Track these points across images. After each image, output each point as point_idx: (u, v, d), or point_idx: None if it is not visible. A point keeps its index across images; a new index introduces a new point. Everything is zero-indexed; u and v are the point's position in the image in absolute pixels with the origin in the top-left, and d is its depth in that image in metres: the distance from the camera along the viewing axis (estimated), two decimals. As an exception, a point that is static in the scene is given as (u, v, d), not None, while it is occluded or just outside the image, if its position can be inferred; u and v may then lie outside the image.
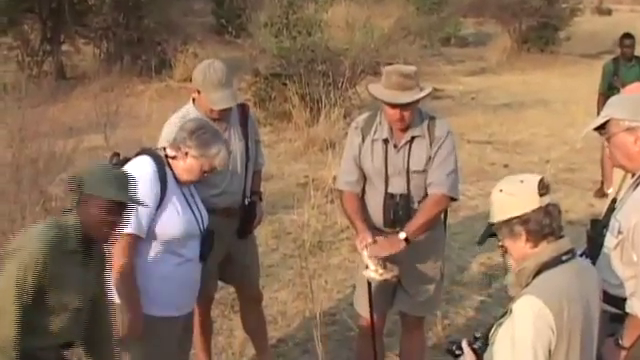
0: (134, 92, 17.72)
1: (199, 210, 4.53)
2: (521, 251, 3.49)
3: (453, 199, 5.06)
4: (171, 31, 20.47)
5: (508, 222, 3.47)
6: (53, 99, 14.36)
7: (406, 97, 4.75)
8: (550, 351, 3.28)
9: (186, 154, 4.37)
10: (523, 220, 3.43)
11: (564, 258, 3.43)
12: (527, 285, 3.42)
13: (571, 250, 3.48)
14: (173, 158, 4.40)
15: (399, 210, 4.91)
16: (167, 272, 4.36)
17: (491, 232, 3.60)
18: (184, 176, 4.44)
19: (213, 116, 5.17)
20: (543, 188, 3.52)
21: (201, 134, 4.37)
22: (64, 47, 21.09)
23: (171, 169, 4.40)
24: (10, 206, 7.95)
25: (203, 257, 4.59)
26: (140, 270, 4.31)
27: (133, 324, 4.28)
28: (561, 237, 3.49)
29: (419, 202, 4.97)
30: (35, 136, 9.33)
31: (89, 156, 10.64)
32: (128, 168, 4.25)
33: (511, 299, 3.47)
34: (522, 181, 3.55)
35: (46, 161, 9.22)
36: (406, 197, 4.92)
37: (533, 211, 3.43)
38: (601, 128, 4.04)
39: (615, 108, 4.01)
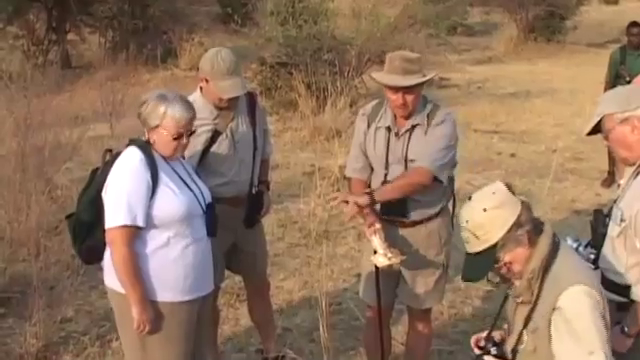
0: (140, 81, 17.72)
1: (198, 188, 4.49)
2: (524, 255, 3.46)
3: (437, 180, 4.86)
4: (177, 20, 20.49)
5: (509, 233, 3.41)
6: (59, 88, 14.38)
7: (407, 81, 4.71)
8: None
9: (150, 131, 4.34)
10: (520, 223, 3.41)
11: (556, 239, 3.49)
12: (541, 282, 3.43)
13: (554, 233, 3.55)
14: (153, 143, 4.37)
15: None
16: (176, 256, 4.32)
17: (489, 263, 3.53)
18: (166, 152, 4.39)
19: (222, 105, 5.15)
20: (512, 188, 3.54)
21: (149, 104, 4.30)
22: (70, 36, 21.12)
23: (160, 154, 4.36)
24: (16, 195, 7.96)
25: (211, 233, 4.55)
26: (149, 258, 4.28)
27: (142, 314, 4.27)
28: None
29: (422, 193, 4.90)
30: (41, 125, 9.33)
31: (95, 145, 10.64)
32: (118, 162, 4.29)
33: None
34: (494, 192, 3.50)
35: (52, 150, 9.24)
36: None
37: (520, 212, 3.43)
38: (598, 130, 4.04)
39: (605, 104, 4.01)
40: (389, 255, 4.71)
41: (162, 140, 4.34)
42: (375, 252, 4.77)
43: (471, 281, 3.75)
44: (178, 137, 4.36)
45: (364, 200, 4.71)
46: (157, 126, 4.30)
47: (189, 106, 4.42)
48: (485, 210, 3.42)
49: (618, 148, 3.99)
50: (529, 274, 3.44)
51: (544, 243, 3.45)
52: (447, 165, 4.92)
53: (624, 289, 3.87)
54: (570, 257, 3.49)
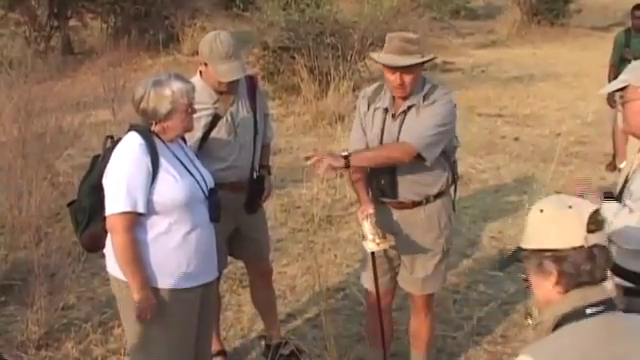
0: (142, 67, 17.68)
1: (200, 174, 4.45)
2: (547, 294, 2.78)
3: (421, 157, 4.72)
4: (179, 5, 20.41)
5: (539, 253, 2.75)
6: (60, 74, 14.40)
7: (405, 60, 4.66)
8: None
9: (161, 120, 4.29)
10: (558, 257, 2.70)
11: (589, 311, 2.66)
12: None
13: (604, 301, 2.70)
14: (161, 133, 4.32)
15: (382, 179, 4.85)
16: (178, 242, 4.29)
17: (517, 257, 2.89)
18: (182, 129, 4.39)
19: (221, 88, 5.11)
20: (594, 223, 2.72)
21: (149, 96, 4.25)
22: (71, 22, 21.06)
23: (161, 139, 4.32)
24: (17, 181, 7.93)
25: (214, 218, 4.51)
26: (150, 245, 4.25)
27: (143, 302, 4.23)
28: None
29: (412, 173, 4.83)
30: (42, 111, 9.32)
31: (96, 131, 10.62)
32: (118, 148, 4.25)
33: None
34: (571, 206, 2.78)
35: (53, 136, 9.23)
36: (391, 166, 4.82)
37: (574, 249, 2.68)
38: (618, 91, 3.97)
39: (636, 75, 3.92)
40: (377, 240, 4.71)
41: (177, 119, 4.29)
42: (365, 237, 4.77)
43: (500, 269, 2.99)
44: (192, 110, 4.36)
45: (339, 163, 4.61)
46: (170, 111, 4.25)
47: (184, 78, 4.41)
48: (541, 212, 2.79)
49: (631, 120, 3.92)
50: (534, 325, 2.85)
51: (570, 299, 2.70)
52: (436, 144, 4.76)
53: (633, 274, 3.81)
54: (579, 332, 2.63)
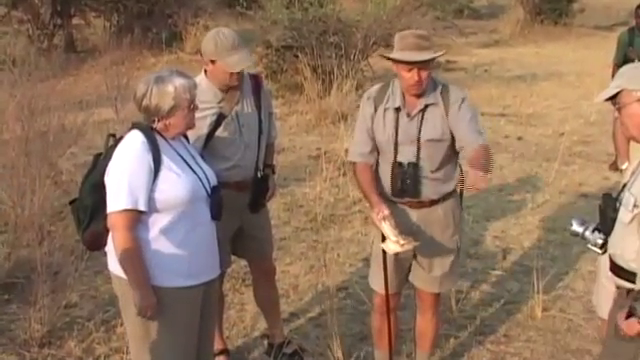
0: (145, 65, 17.65)
1: (203, 171, 4.43)
2: None
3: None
4: (182, 3, 20.37)
5: None
6: (63, 72, 14.40)
7: (423, 55, 4.66)
8: None
9: (164, 117, 4.28)
10: None
11: None
12: None
13: None
14: (163, 130, 4.31)
15: (407, 179, 4.81)
16: (179, 240, 4.26)
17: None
18: (185, 126, 4.37)
19: (232, 83, 5.07)
20: None
21: (152, 93, 4.24)
22: (74, 20, 21.03)
23: (163, 137, 4.30)
24: (20, 180, 7.92)
25: (216, 217, 4.48)
26: (151, 243, 4.22)
27: (144, 300, 4.22)
28: None
29: (432, 172, 4.84)
30: (45, 109, 9.30)
31: (99, 129, 10.61)
32: (120, 146, 4.23)
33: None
34: None
35: (56, 134, 9.21)
36: (415, 166, 4.80)
37: None
38: (612, 98, 3.95)
39: (627, 79, 3.92)
40: (402, 242, 4.58)
41: (180, 116, 4.27)
42: (384, 239, 4.67)
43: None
44: (194, 106, 4.34)
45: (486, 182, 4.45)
46: (173, 107, 4.24)
47: (186, 74, 4.39)
48: None
49: (629, 124, 3.91)
50: None
51: None
52: None
53: (633, 275, 3.81)
54: None
